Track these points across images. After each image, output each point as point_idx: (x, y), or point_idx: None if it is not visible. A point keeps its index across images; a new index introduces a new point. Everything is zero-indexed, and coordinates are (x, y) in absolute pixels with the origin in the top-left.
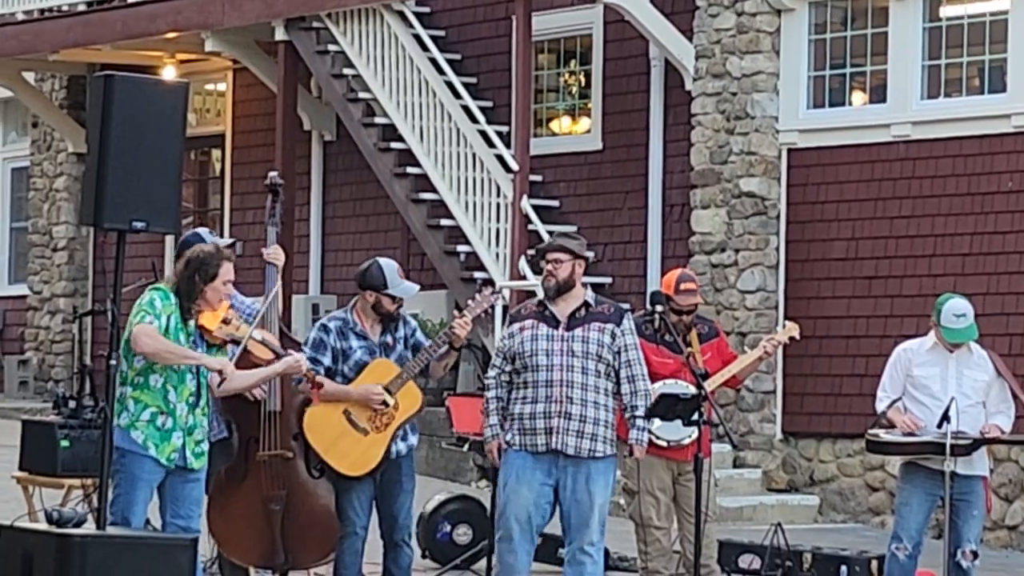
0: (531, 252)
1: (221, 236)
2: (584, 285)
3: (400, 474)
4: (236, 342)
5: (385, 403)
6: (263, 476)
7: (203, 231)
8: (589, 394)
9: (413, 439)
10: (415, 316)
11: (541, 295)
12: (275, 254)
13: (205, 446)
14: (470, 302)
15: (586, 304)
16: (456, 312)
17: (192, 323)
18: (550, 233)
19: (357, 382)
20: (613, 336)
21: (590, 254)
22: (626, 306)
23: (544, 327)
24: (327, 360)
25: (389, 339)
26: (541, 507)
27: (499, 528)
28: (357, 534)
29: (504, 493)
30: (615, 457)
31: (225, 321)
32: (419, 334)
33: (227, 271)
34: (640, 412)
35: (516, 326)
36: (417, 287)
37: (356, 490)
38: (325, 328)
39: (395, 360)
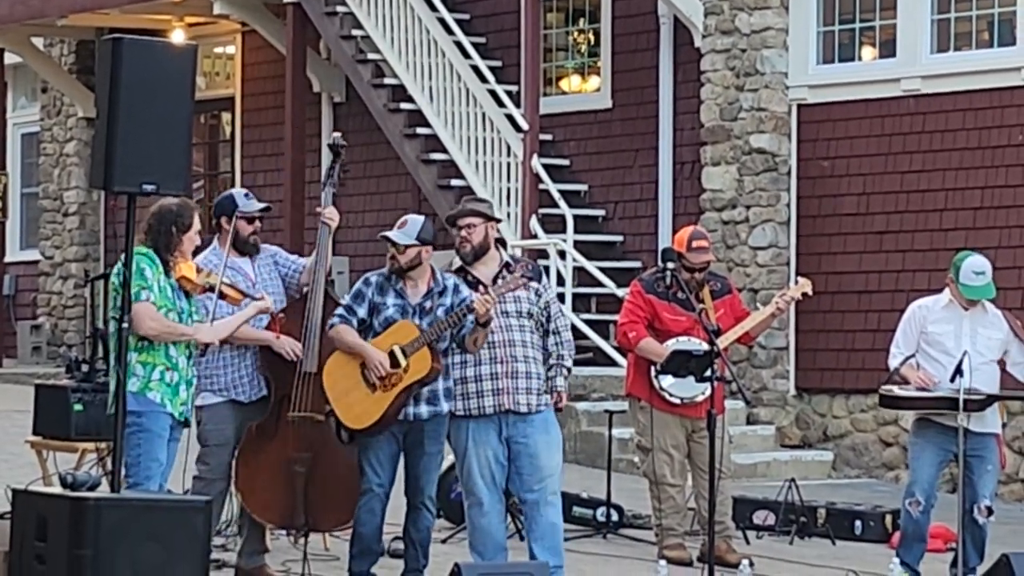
0: (446, 219)
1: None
2: (500, 248)
3: (423, 437)
4: (211, 288)
5: (396, 364)
6: (291, 437)
7: (237, 192)
8: (529, 351)
9: (445, 405)
10: None
11: (460, 261)
12: (330, 215)
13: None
14: (499, 281)
15: (506, 265)
16: (482, 288)
17: (172, 277)
18: (561, 192)
19: (378, 339)
20: (538, 294)
21: (501, 217)
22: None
23: (473, 292)
24: (362, 311)
25: (428, 303)
26: (501, 465)
27: (468, 495)
28: (373, 491)
29: (465, 460)
30: (553, 406)
31: (198, 270)
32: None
33: (198, 220)
34: (567, 363)
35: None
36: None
37: (373, 448)
38: (367, 281)
39: (427, 325)
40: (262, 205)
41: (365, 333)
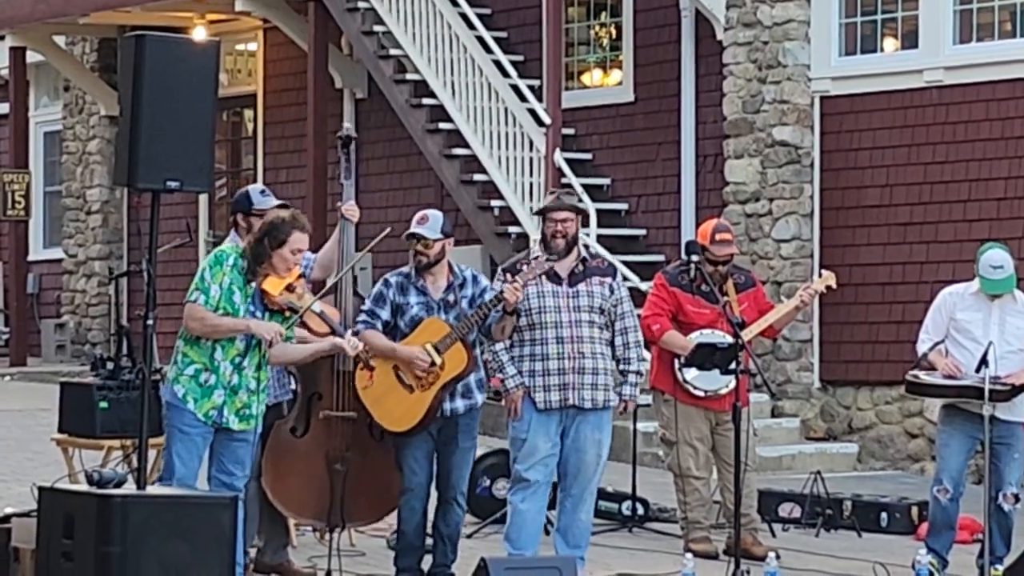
0: (536, 211)
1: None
2: (576, 240)
3: (456, 432)
4: (294, 311)
5: (433, 362)
6: (327, 435)
7: (253, 189)
8: (597, 347)
9: (479, 397)
10: None
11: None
12: (352, 210)
13: (256, 409)
14: (524, 267)
15: (583, 260)
16: (508, 277)
17: (253, 285)
18: (584, 186)
19: (409, 339)
20: (611, 289)
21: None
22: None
23: (549, 284)
24: (385, 314)
25: (451, 297)
26: (553, 459)
27: (515, 481)
28: (413, 490)
29: (523, 449)
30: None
31: (289, 288)
32: (488, 296)
33: (297, 239)
34: (633, 366)
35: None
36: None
37: (411, 446)
38: (387, 282)
39: (454, 319)
40: (278, 202)
41: (392, 335)
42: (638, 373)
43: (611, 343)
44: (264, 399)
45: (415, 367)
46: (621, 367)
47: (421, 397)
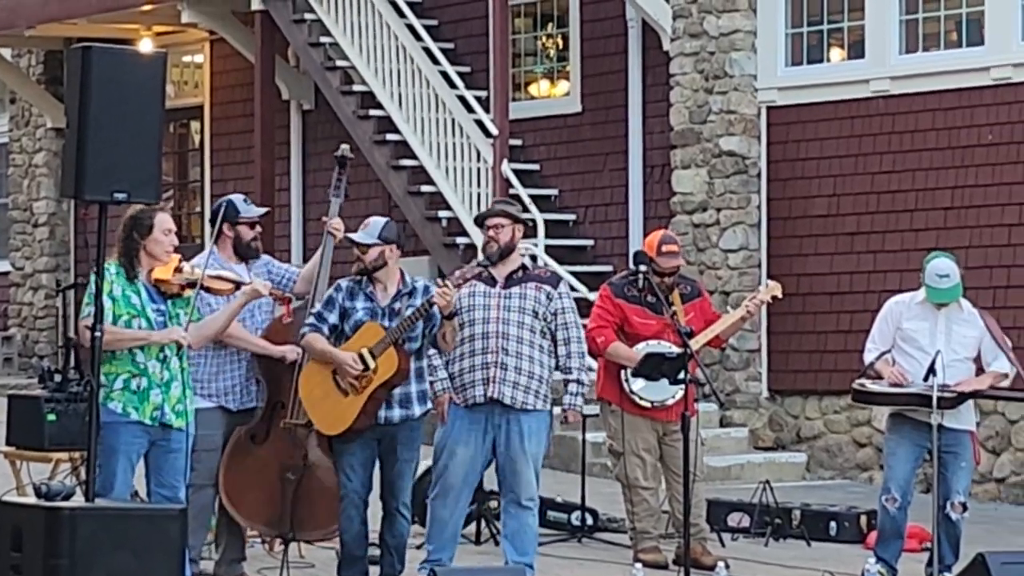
0: (475, 219)
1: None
2: (522, 252)
3: (396, 443)
4: (192, 285)
5: (366, 367)
6: (286, 444)
7: (236, 198)
8: (524, 347)
9: (417, 409)
10: None
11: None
12: (337, 226)
13: (188, 405)
14: (455, 272)
15: (523, 267)
16: (439, 281)
17: (140, 281)
18: (531, 197)
19: (347, 343)
20: (549, 297)
21: (528, 217)
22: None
23: (482, 286)
24: (333, 318)
25: (398, 305)
26: (477, 466)
27: (435, 485)
28: (349, 497)
29: (444, 453)
30: (549, 413)
31: (178, 270)
32: (435, 308)
33: (162, 220)
34: (573, 376)
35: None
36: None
37: (347, 453)
38: (338, 287)
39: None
40: (262, 210)
41: (339, 339)
42: (579, 382)
43: (553, 353)
44: (191, 394)
45: (346, 372)
46: (563, 376)
47: (354, 401)
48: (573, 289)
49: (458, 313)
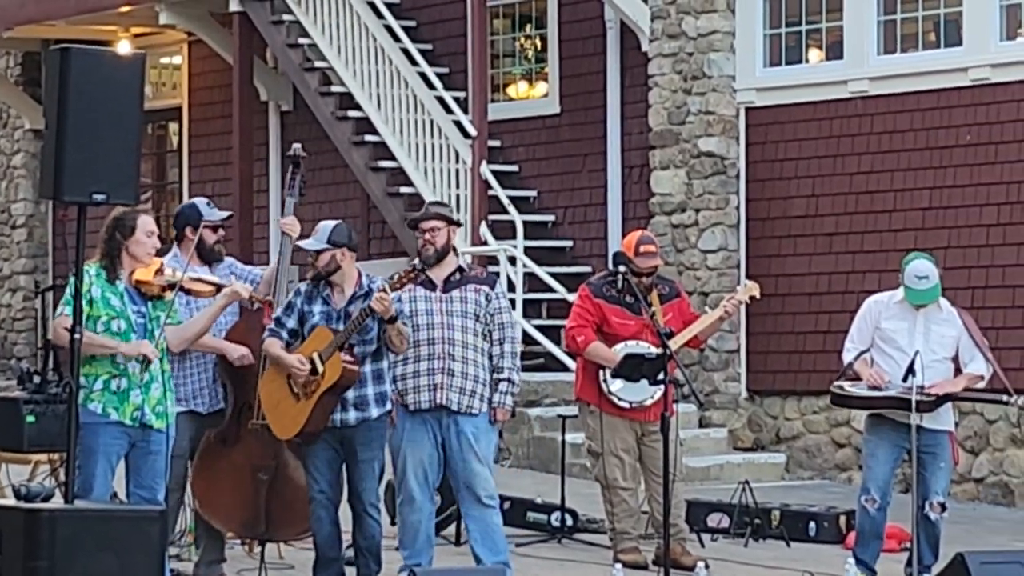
0: (408, 222)
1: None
2: (456, 252)
3: (355, 444)
4: (173, 287)
5: (314, 371)
6: (254, 445)
7: (199, 201)
8: (468, 352)
9: (374, 410)
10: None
11: (418, 262)
12: (291, 225)
13: (168, 407)
14: (393, 276)
15: (460, 269)
16: (377, 286)
17: (121, 283)
18: (510, 198)
19: (301, 347)
20: (488, 298)
21: (460, 219)
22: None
23: (421, 290)
24: (292, 323)
25: (352, 308)
26: (434, 465)
27: (400, 492)
28: (316, 499)
29: (399, 458)
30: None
31: (159, 272)
32: (393, 308)
33: (144, 222)
34: (504, 375)
35: (394, 292)
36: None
37: (311, 455)
38: (297, 291)
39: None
40: (225, 214)
41: (298, 342)
42: (510, 381)
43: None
44: (172, 396)
45: (295, 376)
46: (495, 375)
47: (304, 405)
48: (551, 290)
49: (400, 316)
